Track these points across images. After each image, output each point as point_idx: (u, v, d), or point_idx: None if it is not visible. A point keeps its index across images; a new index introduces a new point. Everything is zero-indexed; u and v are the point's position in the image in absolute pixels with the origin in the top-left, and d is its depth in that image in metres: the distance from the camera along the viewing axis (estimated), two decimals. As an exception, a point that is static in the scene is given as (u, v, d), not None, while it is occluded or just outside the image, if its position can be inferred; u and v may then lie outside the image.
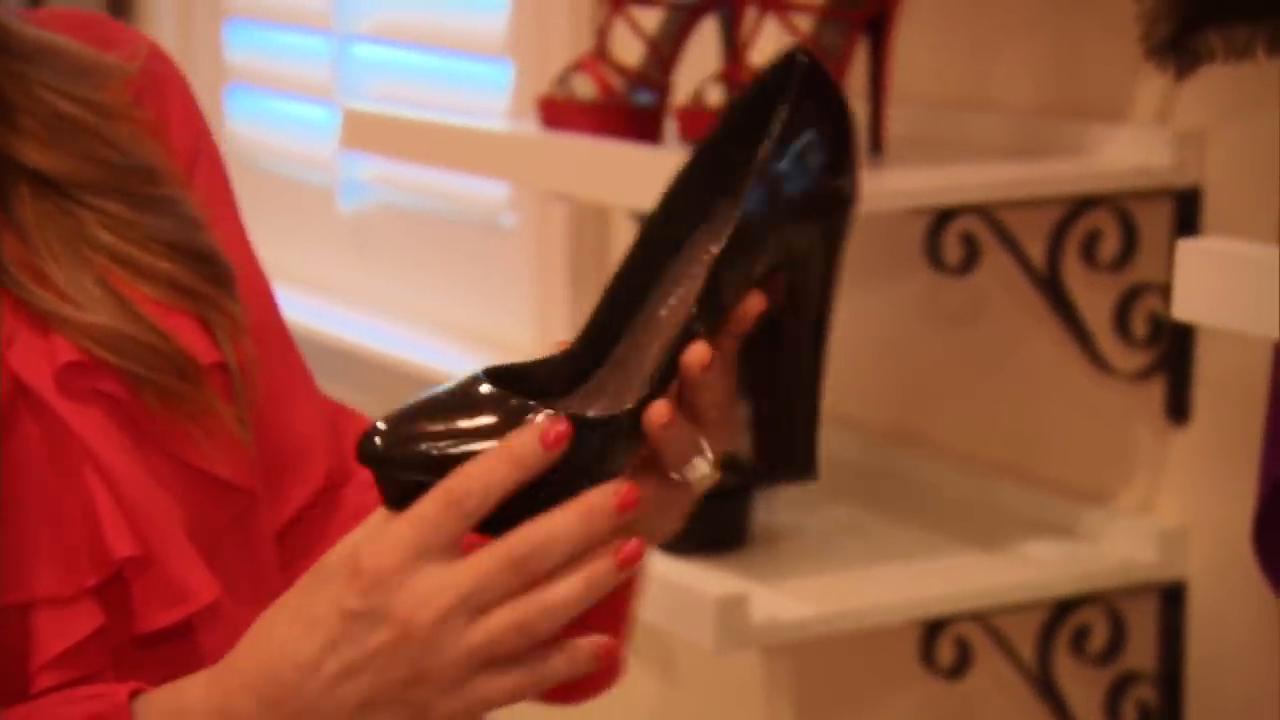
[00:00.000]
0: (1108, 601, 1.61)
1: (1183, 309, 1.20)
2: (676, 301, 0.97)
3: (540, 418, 0.88)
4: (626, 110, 1.63)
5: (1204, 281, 1.19)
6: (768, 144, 0.96)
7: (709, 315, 0.94)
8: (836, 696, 1.92)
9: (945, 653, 1.65)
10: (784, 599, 1.53)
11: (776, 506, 1.74)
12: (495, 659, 0.90)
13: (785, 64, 0.96)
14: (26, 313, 1.02)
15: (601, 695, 1.11)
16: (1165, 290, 1.53)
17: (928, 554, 1.64)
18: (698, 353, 0.92)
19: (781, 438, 1.00)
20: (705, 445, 0.97)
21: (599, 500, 0.88)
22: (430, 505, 0.88)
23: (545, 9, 2.15)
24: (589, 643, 0.92)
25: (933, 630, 1.63)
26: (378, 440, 0.89)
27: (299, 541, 1.13)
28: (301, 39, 2.59)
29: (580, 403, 0.94)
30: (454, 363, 2.25)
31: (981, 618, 1.62)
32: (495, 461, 0.87)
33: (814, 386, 1.00)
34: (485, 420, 0.90)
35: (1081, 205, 1.60)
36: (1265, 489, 1.32)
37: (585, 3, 2.09)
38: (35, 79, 1.06)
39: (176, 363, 1.03)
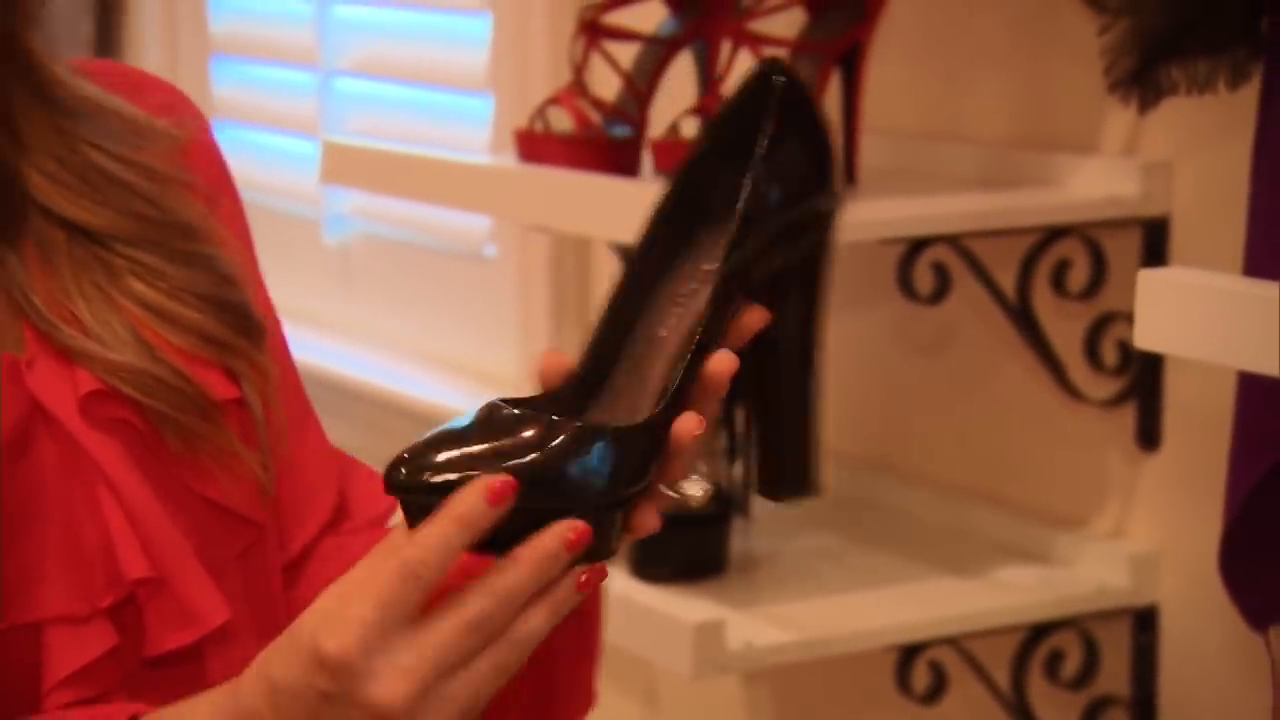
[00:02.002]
0: (1081, 626, 1.61)
1: (1145, 338, 1.20)
2: (677, 320, 0.97)
3: (481, 477, 0.88)
4: (603, 143, 1.63)
5: (1165, 311, 1.19)
6: (755, 161, 0.96)
7: (717, 328, 0.94)
8: (830, 713, 1.92)
9: (921, 678, 1.64)
10: (761, 625, 1.53)
11: (753, 533, 1.74)
12: (479, 696, 0.90)
13: (762, 81, 0.96)
14: (50, 345, 1.03)
15: None
16: (1135, 318, 1.56)
17: (902, 580, 1.64)
18: (723, 361, 0.93)
19: (782, 456, 1.01)
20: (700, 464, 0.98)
21: (552, 545, 0.88)
22: (388, 580, 0.88)
23: (525, 44, 2.16)
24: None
25: (908, 655, 1.63)
26: (402, 470, 0.90)
27: (305, 576, 1.13)
28: (286, 74, 2.60)
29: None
30: (438, 393, 2.26)
31: (956, 642, 1.62)
32: (445, 526, 0.88)
33: (811, 402, 1.00)
34: (503, 441, 0.90)
35: (1051, 235, 1.61)
36: (1230, 515, 1.32)
37: (564, 38, 2.05)
38: (82, 136, 1.07)
39: (196, 402, 1.04)
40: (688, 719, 2.08)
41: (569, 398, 0.95)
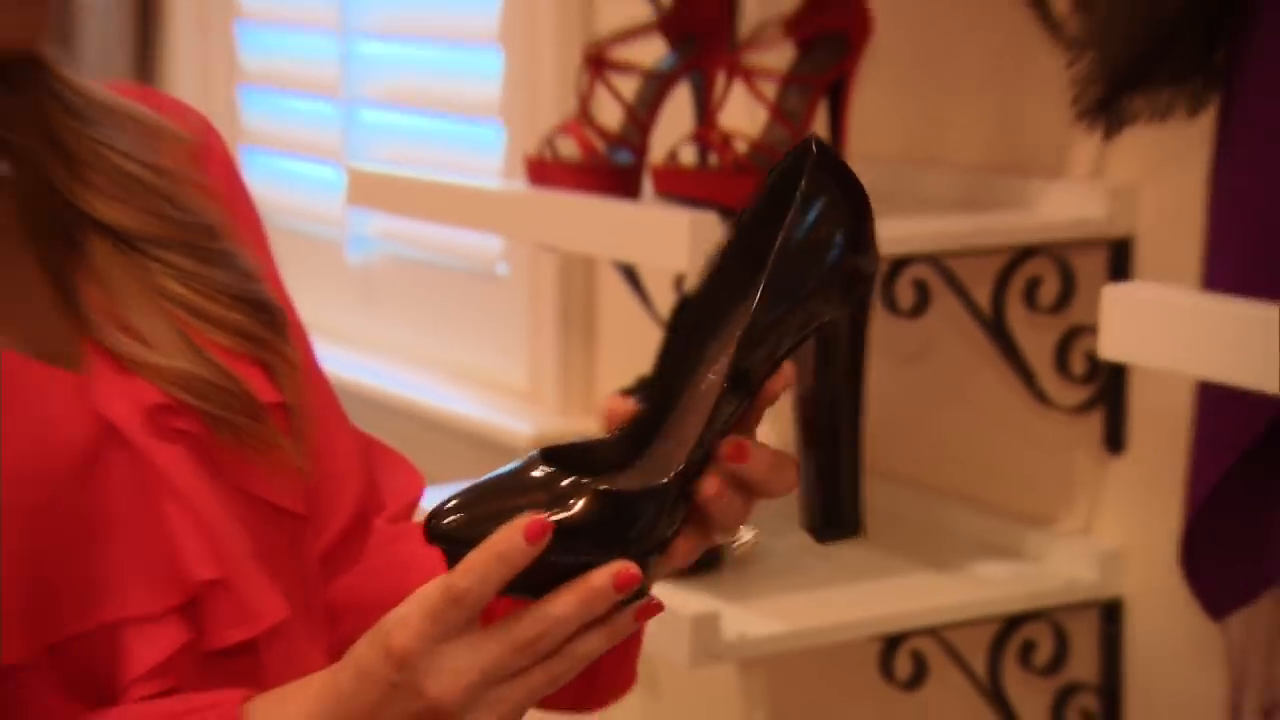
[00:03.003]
0: (1052, 618, 1.62)
1: (1109, 349, 1.21)
2: (715, 376, 0.97)
3: (523, 517, 0.90)
4: (607, 169, 1.63)
5: (1128, 323, 1.19)
6: (785, 227, 0.96)
7: (738, 389, 0.94)
8: (805, 706, 1.92)
9: (903, 665, 1.64)
10: (754, 617, 1.53)
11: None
12: (532, 698, 0.93)
13: (799, 152, 0.97)
14: (109, 356, 1.02)
15: (614, 702, 1.13)
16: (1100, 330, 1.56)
17: (886, 574, 1.63)
18: (736, 448, 0.93)
19: (828, 499, 1.00)
20: (749, 514, 0.98)
21: (600, 584, 0.90)
22: (438, 600, 0.91)
23: (533, 76, 2.16)
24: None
25: (891, 645, 1.63)
26: (444, 521, 0.92)
27: (337, 564, 1.13)
28: (311, 104, 2.60)
29: (634, 476, 0.96)
30: (453, 401, 2.27)
31: (936, 633, 1.62)
32: (487, 560, 0.90)
33: (855, 448, 0.99)
34: (536, 500, 0.92)
35: (1023, 254, 1.61)
36: (1190, 514, 1.33)
37: (569, 70, 2.06)
38: (105, 142, 1.06)
39: (245, 403, 1.04)
40: (686, 706, 2.07)
41: (624, 441, 0.96)
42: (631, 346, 2.07)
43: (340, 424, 1.16)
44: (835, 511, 0.99)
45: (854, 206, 0.98)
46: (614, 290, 2.10)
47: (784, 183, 0.99)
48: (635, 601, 0.92)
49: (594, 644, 0.93)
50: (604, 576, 0.90)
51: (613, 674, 1.12)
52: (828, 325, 0.98)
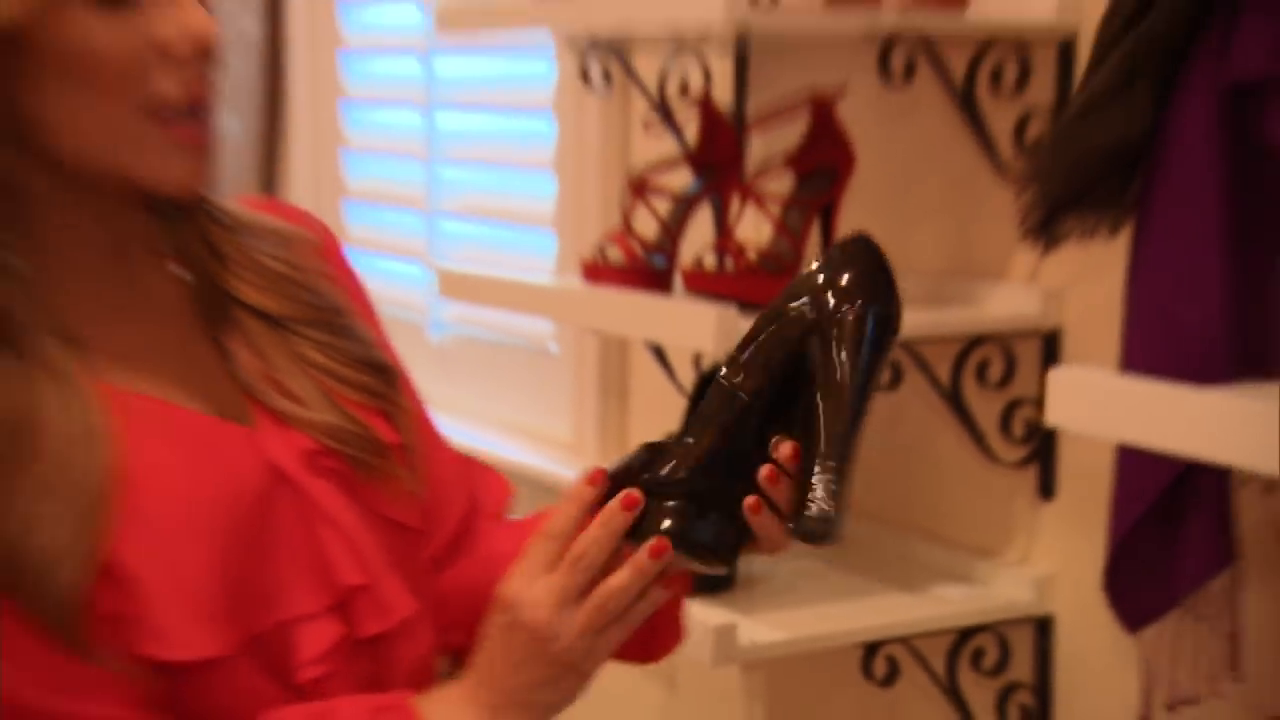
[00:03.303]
0: (997, 630, 1.62)
1: (1053, 417, 1.21)
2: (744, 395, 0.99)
3: (624, 491, 0.96)
4: (646, 270, 1.63)
5: (1068, 398, 1.19)
6: (817, 282, 0.98)
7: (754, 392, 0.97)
8: (797, 701, 1.91)
9: (879, 667, 1.64)
10: (761, 627, 1.53)
11: (753, 559, 1.68)
12: (619, 641, 0.98)
13: (848, 245, 1.00)
14: (269, 413, 1.03)
15: (670, 654, 1.16)
16: (1036, 402, 1.58)
17: (865, 595, 1.63)
18: (771, 470, 0.95)
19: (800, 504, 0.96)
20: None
21: (643, 560, 0.95)
22: (566, 566, 0.96)
23: (581, 195, 2.16)
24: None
25: (870, 650, 1.63)
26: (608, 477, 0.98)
27: (447, 561, 1.14)
28: (402, 215, 2.60)
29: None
30: (512, 452, 2.25)
31: (906, 641, 1.62)
32: (596, 530, 0.96)
33: (849, 472, 0.96)
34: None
35: (975, 341, 1.61)
36: (1111, 548, 1.32)
37: (610, 191, 2.09)
38: (250, 245, 1.08)
39: (374, 445, 1.05)
40: (700, 700, 2.05)
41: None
42: (657, 409, 2.06)
43: (443, 451, 1.17)
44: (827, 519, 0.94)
45: (884, 274, 1.00)
46: (644, 365, 2.09)
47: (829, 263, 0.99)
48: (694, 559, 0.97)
49: (656, 595, 0.97)
50: (645, 553, 0.95)
51: (666, 634, 1.13)
52: (858, 359, 0.97)
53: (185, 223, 1.05)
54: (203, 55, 0.96)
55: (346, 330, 1.09)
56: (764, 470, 0.95)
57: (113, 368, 0.98)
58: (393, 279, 2.58)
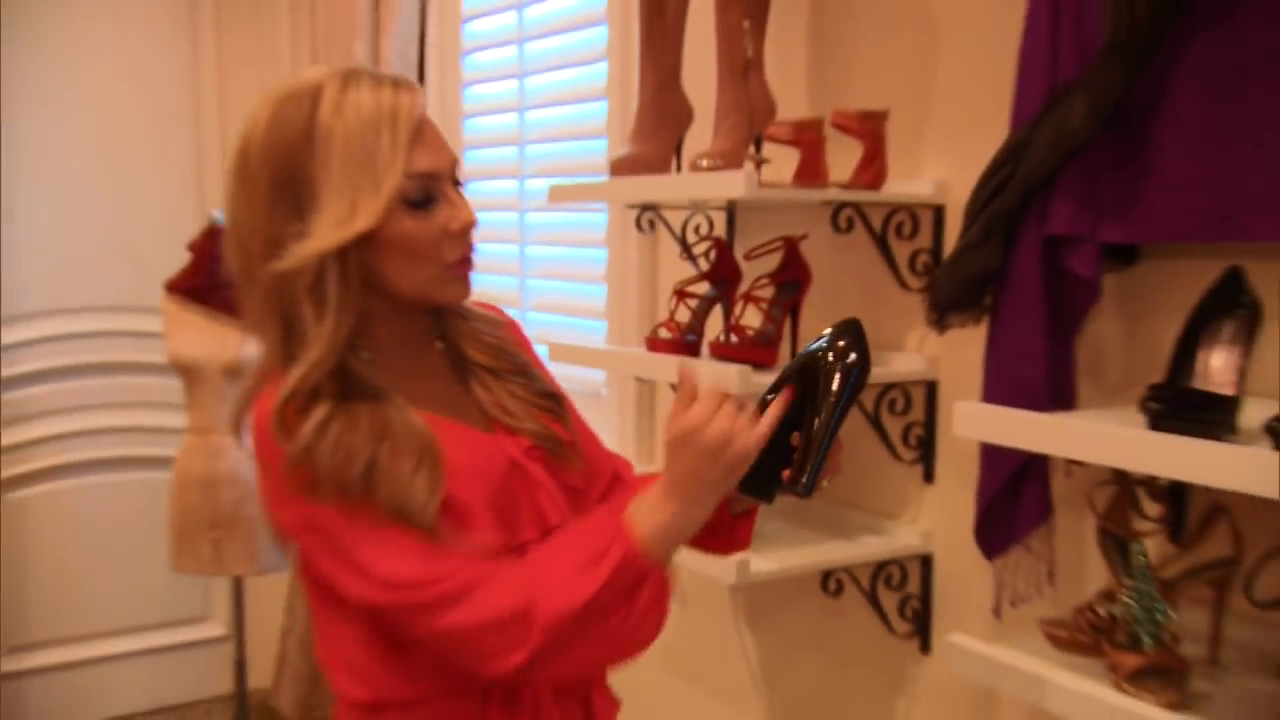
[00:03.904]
0: (899, 563, 1.63)
1: (958, 429, 1.22)
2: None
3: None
4: (683, 344, 1.65)
5: (963, 418, 1.23)
6: (827, 343, 1.01)
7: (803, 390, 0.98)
8: (772, 610, 1.89)
9: (831, 586, 1.70)
10: (761, 561, 1.54)
11: (764, 519, 1.70)
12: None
13: (843, 323, 1.03)
14: (500, 426, 1.08)
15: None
16: (923, 424, 1.59)
17: (820, 542, 1.63)
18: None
19: (801, 470, 1.00)
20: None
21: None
22: (706, 397, 0.97)
23: (624, 298, 2.11)
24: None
25: (826, 575, 1.70)
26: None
27: (603, 502, 1.13)
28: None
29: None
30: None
31: (847, 569, 1.65)
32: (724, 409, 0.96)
33: (828, 443, 0.98)
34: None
35: (888, 386, 1.58)
36: (979, 509, 1.33)
37: (646, 290, 2.06)
38: (478, 329, 1.12)
39: (559, 443, 1.09)
40: (704, 609, 2.00)
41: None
42: None
43: (595, 444, 1.17)
44: (805, 478, 0.98)
45: (861, 341, 1.03)
46: (665, 403, 2.09)
47: (833, 338, 1.00)
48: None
49: (762, 430, 0.95)
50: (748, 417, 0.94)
51: (743, 534, 1.11)
52: (848, 379, 0.99)
53: (446, 318, 1.10)
54: (469, 231, 1.02)
55: (534, 376, 1.13)
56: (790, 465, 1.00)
57: (418, 404, 1.02)
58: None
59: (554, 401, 1.12)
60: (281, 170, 0.95)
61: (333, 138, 0.94)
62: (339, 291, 0.96)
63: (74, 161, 3.04)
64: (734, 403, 0.96)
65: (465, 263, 1.02)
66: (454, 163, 1.01)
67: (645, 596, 0.94)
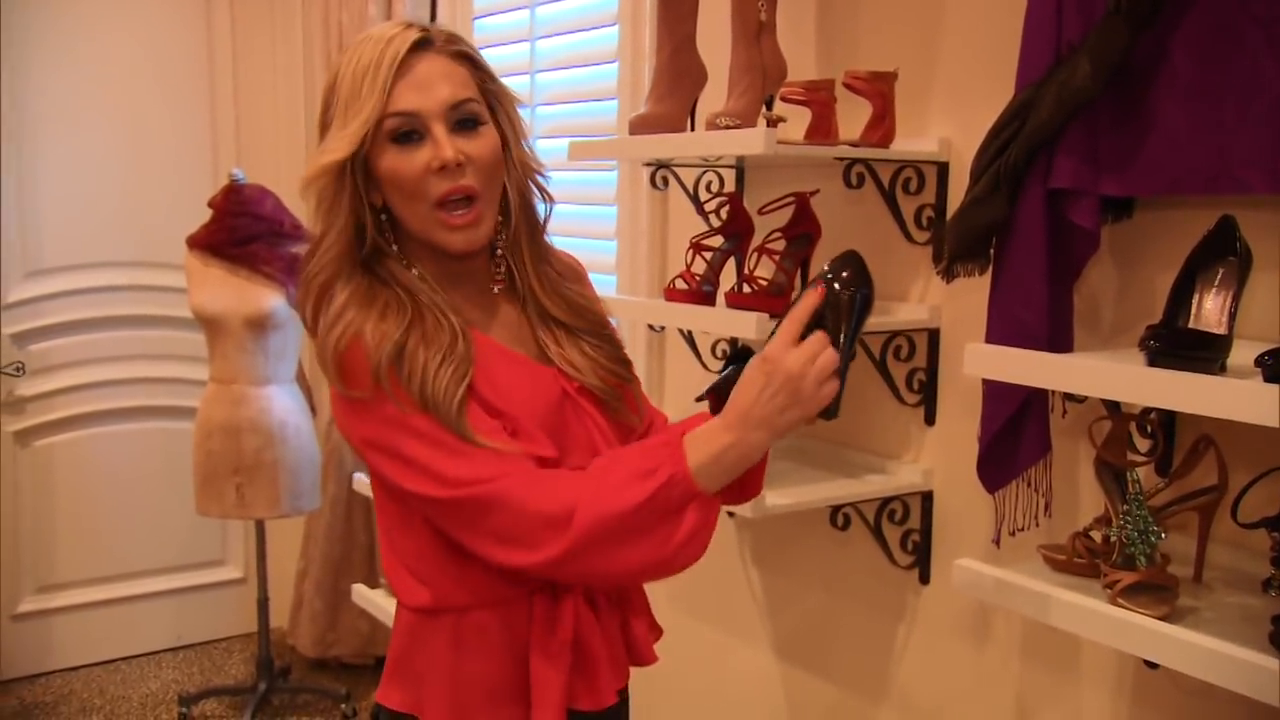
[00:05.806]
0: (902, 499, 1.65)
1: (969, 369, 1.22)
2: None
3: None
4: (700, 293, 1.64)
5: (973, 359, 1.22)
6: (832, 272, 1.01)
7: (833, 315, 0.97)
8: (777, 547, 1.89)
9: (839, 520, 1.69)
10: (775, 496, 1.56)
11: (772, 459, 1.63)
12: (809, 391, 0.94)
13: (846, 252, 1.03)
14: (559, 371, 1.10)
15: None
16: (926, 370, 1.60)
17: (829, 480, 1.65)
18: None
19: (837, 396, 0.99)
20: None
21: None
22: (807, 344, 0.96)
23: (635, 254, 2.11)
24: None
25: (835, 510, 1.68)
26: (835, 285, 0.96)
27: (644, 437, 1.14)
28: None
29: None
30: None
31: (854, 505, 1.65)
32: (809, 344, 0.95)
33: (845, 367, 0.99)
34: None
35: (893, 335, 1.60)
36: (982, 445, 1.34)
37: (656, 251, 2.05)
38: (559, 281, 1.13)
39: (616, 396, 1.12)
40: (710, 546, 2.03)
41: None
42: (684, 375, 2.02)
43: (644, 398, 1.19)
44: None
45: (865, 272, 1.02)
46: (675, 350, 2.07)
47: (836, 265, 0.99)
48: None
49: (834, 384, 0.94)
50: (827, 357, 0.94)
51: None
52: (853, 309, 0.99)
53: (527, 264, 1.10)
54: (447, 167, 1.00)
55: (612, 342, 1.15)
56: None
57: (475, 324, 1.06)
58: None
59: (625, 369, 1.15)
60: (324, 107, 1.05)
61: (343, 81, 1.02)
62: (334, 203, 1.02)
63: (92, 121, 3.04)
64: (832, 356, 0.96)
65: (456, 207, 1.02)
66: (448, 104, 1.01)
67: (691, 521, 0.95)
